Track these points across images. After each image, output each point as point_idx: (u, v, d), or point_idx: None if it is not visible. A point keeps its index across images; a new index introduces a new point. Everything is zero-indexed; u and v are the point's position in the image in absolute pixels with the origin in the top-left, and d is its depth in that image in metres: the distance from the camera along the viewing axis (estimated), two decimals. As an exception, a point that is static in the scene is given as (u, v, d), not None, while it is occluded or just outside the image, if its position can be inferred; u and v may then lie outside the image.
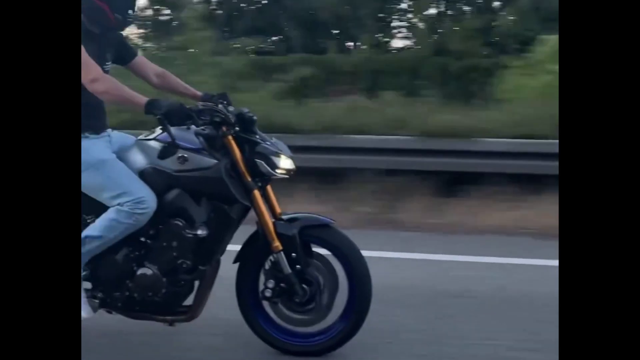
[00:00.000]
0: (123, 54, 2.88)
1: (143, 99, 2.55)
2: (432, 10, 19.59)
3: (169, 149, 2.59)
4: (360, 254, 2.76)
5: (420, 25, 18.86)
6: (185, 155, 2.61)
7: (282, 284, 2.71)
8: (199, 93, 2.92)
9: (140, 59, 2.95)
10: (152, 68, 2.96)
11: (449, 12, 19.47)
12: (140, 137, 2.79)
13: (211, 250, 2.68)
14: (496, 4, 19.55)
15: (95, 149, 2.67)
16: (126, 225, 2.56)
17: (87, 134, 2.68)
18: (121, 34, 2.90)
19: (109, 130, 2.82)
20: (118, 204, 2.57)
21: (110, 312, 2.80)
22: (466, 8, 19.76)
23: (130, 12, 2.70)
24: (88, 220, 2.77)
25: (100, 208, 2.70)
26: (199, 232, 2.61)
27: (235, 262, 2.81)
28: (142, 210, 2.56)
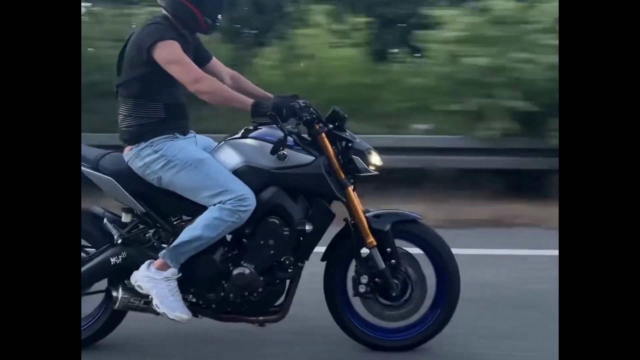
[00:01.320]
0: (200, 56, 2.88)
1: (249, 100, 2.58)
2: None
3: (281, 144, 2.60)
4: (450, 249, 2.82)
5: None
6: (285, 152, 2.63)
7: (376, 279, 2.75)
8: (270, 95, 2.94)
9: (215, 61, 2.97)
10: (225, 70, 2.98)
11: None
12: (228, 137, 2.80)
13: (311, 246, 2.69)
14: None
15: (190, 148, 2.67)
16: (229, 223, 2.56)
17: (176, 134, 2.69)
18: (198, 37, 2.92)
19: (192, 131, 2.82)
20: (219, 202, 2.56)
21: (196, 316, 2.76)
22: None
23: (219, 16, 2.73)
24: (174, 222, 2.78)
25: (183, 208, 2.71)
26: (306, 227, 2.63)
27: (323, 260, 2.83)
28: (244, 208, 2.56)
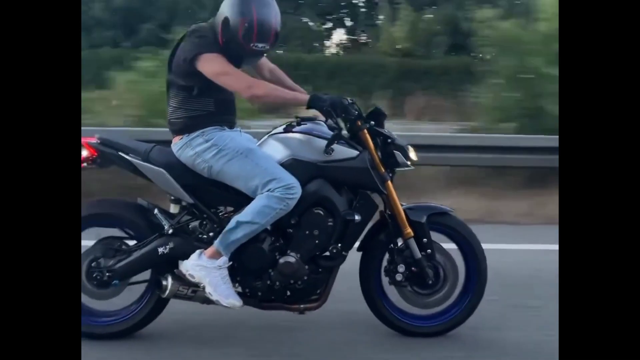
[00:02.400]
0: None
1: (305, 95, 2.70)
2: None
3: (336, 138, 2.73)
4: (478, 240, 3.00)
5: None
6: (332, 147, 2.76)
7: (413, 268, 2.90)
8: (303, 91, 3.04)
9: None
10: (266, 63, 3.06)
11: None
12: (271, 132, 2.90)
13: (356, 236, 2.83)
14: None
15: (241, 138, 2.78)
16: (277, 210, 2.66)
17: (224, 128, 2.78)
18: None
19: (238, 127, 2.91)
20: (268, 190, 2.66)
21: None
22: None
23: (269, 42, 2.73)
24: (222, 213, 2.87)
25: (228, 199, 2.80)
26: (355, 217, 2.76)
27: (359, 250, 2.96)
28: (291, 196, 2.66)
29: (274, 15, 2.67)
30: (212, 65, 2.63)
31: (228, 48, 2.68)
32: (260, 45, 2.67)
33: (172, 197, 2.84)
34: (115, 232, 2.91)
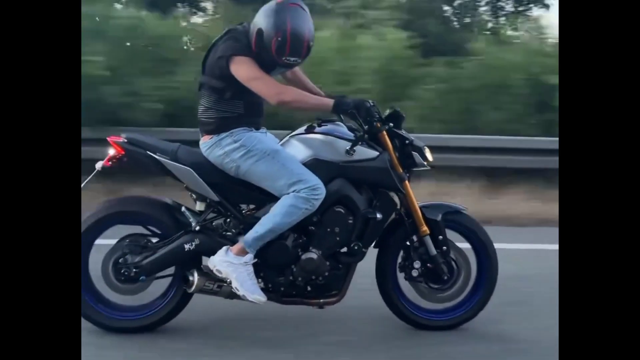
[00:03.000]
0: None
1: (329, 100, 2.79)
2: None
3: (359, 139, 2.83)
4: (490, 238, 3.12)
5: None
6: (353, 147, 2.86)
7: (428, 264, 3.02)
8: (322, 92, 3.13)
9: None
10: None
11: None
12: (293, 133, 3.00)
13: (376, 233, 2.94)
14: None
15: (267, 140, 2.87)
16: (303, 210, 2.76)
17: (252, 129, 2.87)
18: None
19: (264, 128, 3.00)
20: (294, 191, 2.76)
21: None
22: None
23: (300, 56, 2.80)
24: (245, 211, 2.96)
25: (252, 198, 2.90)
26: (377, 215, 2.87)
27: (375, 247, 3.07)
28: (317, 196, 2.76)
29: (307, 29, 2.74)
30: (244, 69, 2.72)
31: (260, 56, 2.76)
32: (292, 59, 2.76)
33: (194, 196, 2.93)
34: (138, 229, 2.99)
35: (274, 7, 2.73)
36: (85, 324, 2.83)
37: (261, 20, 2.74)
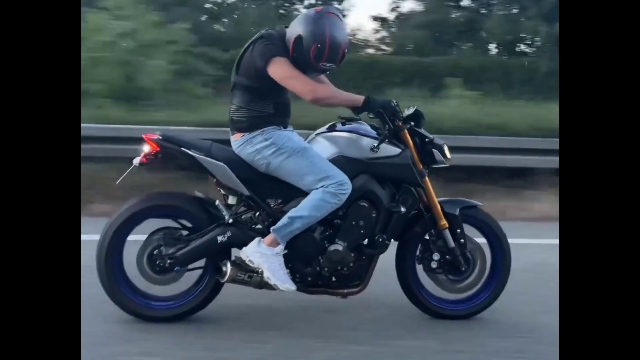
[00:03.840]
0: None
1: (360, 98, 2.96)
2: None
3: (386, 137, 3.00)
4: (503, 231, 3.29)
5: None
6: (377, 145, 3.02)
7: (447, 257, 3.18)
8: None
9: None
10: None
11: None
12: (318, 132, 3.16)
13: (399, 226, 3.10)
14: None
15: (296, 138, 3.02)
16: (331, 204, 2.92)
17: (281, 127, 3.03)
18: None
19: (291, 127, 3.16)
20: (322, 186, 2.91)
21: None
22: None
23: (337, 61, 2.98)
24: (272, 205, 3.11)
25: (280, 193, 3.05)
26: (401, 209, 3.03)
27: (396, 240, 3.23)
28: (344, 191, 2.92)
29: (344, 37, 2.94)
30: (281, 69, 2.88)
31: (296, 60, 2.92)
32: (328, 64, 2.94)
33: (223, 192, 3.07)
34: (168, 223, 3.12)
35: (314, 16, 2.92)
36: (120, 315, 2.98)
37: (300, 27, 2.91)
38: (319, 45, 2.88)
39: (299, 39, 2.90)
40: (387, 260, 3.20)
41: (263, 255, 2.91)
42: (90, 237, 3.09)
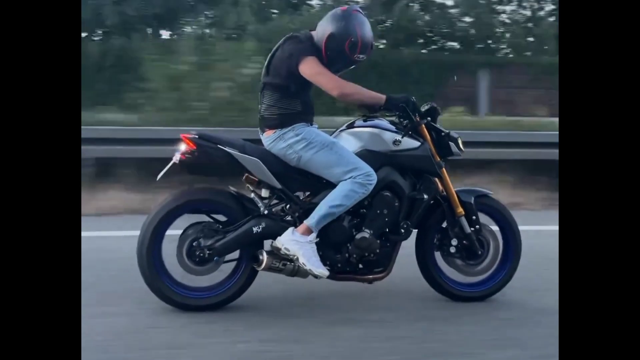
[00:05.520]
0: None
1: (382, 96, 3.20)
2: None
3: (409, 130, 3.24)
4: (514, 218, 3.55)
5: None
6: (399, 138, 3.26)
7: (464, 242, 3.43)
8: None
9: None
10: None
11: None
12: (342, 128, 3.39)
13: (422, 212, 3.33)
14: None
15: (323, 133, 3.25)
16: (360, 194, 3.14)
17: (309, 124, 3.26)
18: None
19: (316, 124, 3.39)
20: (351, 177, 3.13)
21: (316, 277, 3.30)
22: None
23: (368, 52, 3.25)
24: (302, 198, 3.32)
25: (309, 185, 3.27)
26: (424, 196, 3.27)
27: (415, 228, 3.46)
28: (371, 182, 3.15)
29: (369, 31, 3.21)
30: (311, 66, 3.12)
31: (330, 57, 3.17)
32: (361, 56, 3.20)
33: (251, 187, 3.28)
34: (202, 218, 3.31)
35: (342, 14, 3.17)
36: (158, 304, 3.16)
37: (330, 25, 3.16)
38: (352, 39, 3.14)
39: (331, 36, 3.14)
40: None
41: (298, 243, 3.11)
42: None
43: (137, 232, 3.23)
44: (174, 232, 3.25)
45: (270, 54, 3.26)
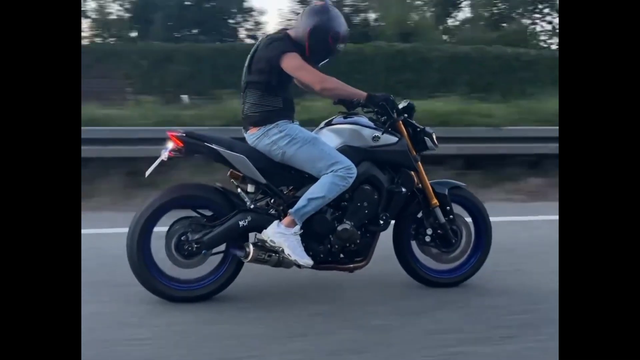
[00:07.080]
0: None
1: (363, 93, 3.35)
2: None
3: (390, 126, 3.40)
4: (485, 209, 3.76)
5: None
6: (379, 135, 3.43)
7: (439, 231, 3.62)
8: None
9: None
10: None
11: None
12: (322, 125, 3.54)
13: (399, 205, 3.51)
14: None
15: (305, 130, 3.40)
16: (341, 186, 3.30)
17: (291, 121, 3.40)
18: None
19: (297, 121, 3.53)
20: (332, 171, 3.29)
21: (299, 266, 3.45)
22: None
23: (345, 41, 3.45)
24: (285, 192, 3.47)
25: (292, 180, 3.42)
26: (402, 190, 3.45)
27: (393, 219, 3.65)
28: (351, 175, 3.31)
29: (345, 23, 3.40)
30: (293, 61, 3.25)
31: (311, 49, 3.32)
32: (341, 46, 3.38)
33: (235, 183, 3.41)
34: (187, 213, 3.43)
35: (319, 9, 3.35)
36: (150, 297, 3.27)
37: (310, 20, 3.32)
38: (334, 30, 3.33)
39: (314, 29, 3.30)
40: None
41: (283, 235, 3.26)
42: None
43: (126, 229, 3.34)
44: (162, 228, 3.37)
45: (249, 55, 3.39)
